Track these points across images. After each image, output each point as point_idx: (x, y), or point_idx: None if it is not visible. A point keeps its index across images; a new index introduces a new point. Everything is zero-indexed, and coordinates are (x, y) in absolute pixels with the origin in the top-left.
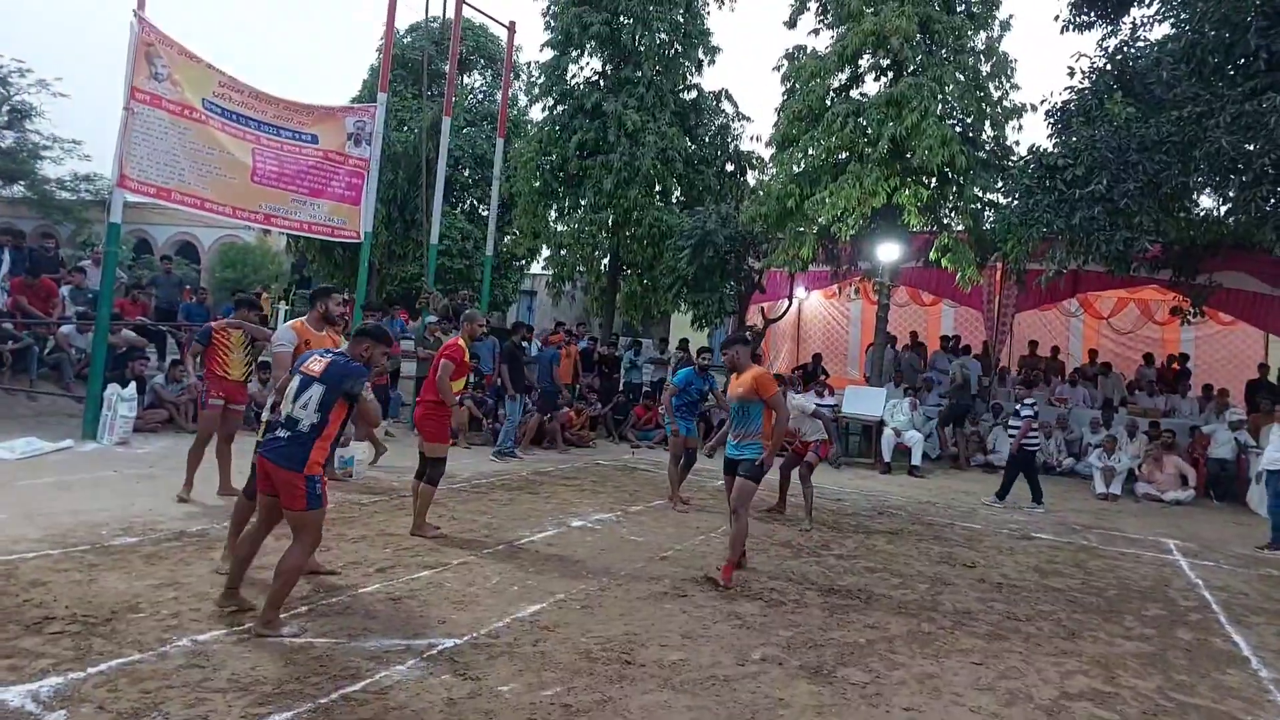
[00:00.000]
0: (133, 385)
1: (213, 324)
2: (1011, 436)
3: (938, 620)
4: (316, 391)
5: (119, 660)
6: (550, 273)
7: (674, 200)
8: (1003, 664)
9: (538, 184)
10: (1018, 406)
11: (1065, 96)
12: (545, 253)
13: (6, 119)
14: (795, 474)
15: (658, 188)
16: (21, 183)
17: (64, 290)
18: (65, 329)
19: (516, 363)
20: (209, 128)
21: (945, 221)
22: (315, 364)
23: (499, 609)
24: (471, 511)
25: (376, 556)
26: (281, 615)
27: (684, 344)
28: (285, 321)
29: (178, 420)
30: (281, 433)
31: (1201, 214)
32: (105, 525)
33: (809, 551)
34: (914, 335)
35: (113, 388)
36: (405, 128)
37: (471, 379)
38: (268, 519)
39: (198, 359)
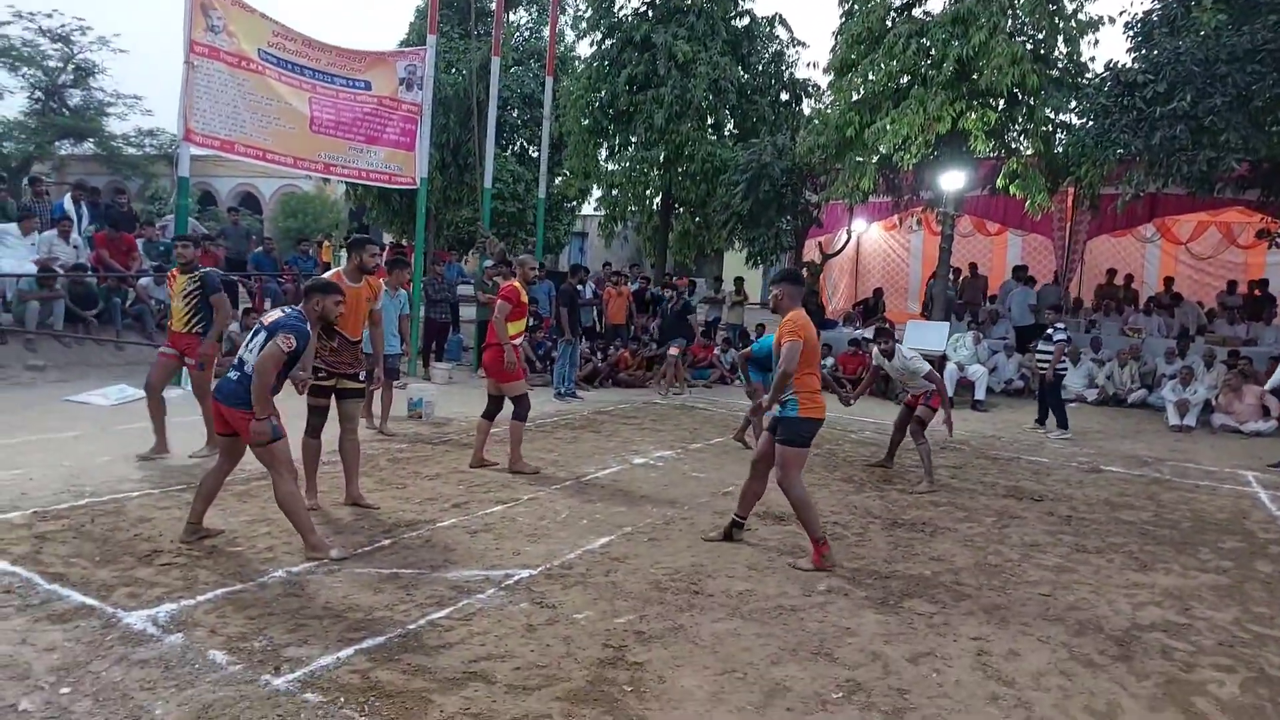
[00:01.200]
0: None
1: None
2: (1043, 364)
3: (1004, 553)
4: (260, 338)
5: (223, 589)
6: (602, 213)
7: (727, 133)
8: (1072, 595)
9: (587, 122)
10: (1050, 331)
11: (1147, 6)
12: (596, 193)
13: (72, 77)
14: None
15: (710, 120)
16: (91, 140)
17: (138, 244)
18: (144, 281)
19: (573, 305)
20: (266, 78)
21: (1014, 146)
22: (270, 314)
23: (570, 541)
24: (538, 449)
25: (451, 493)
26: (330, 538)
27: (739, 282)
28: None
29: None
30: (232, 374)
31: None
32: (198, 466)
33: (871, 486)
34: (973, 266)
35: None
36: (453, 69)
37: (530, 322)
38: (228, 458)
39: None
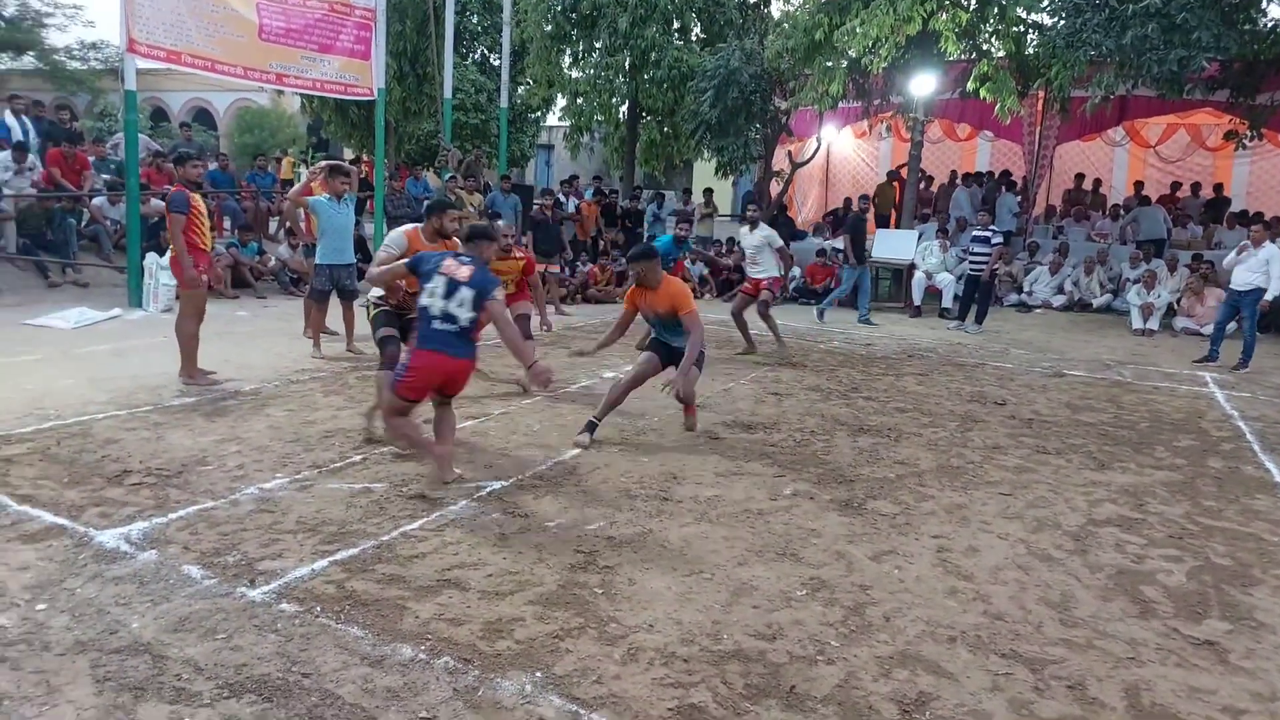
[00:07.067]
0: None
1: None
2: (975, 263)
3: (967, 455)
4: (469, 294)
5: (195, 507)
6: (567, 124)
7: (694, 38)
8: (1031, 494)
9: (549, 28)
10: (986, 234)
11: None
12: (561, 102)
13: None
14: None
15: (676, 24)
16: (31, 54)
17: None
18: (97, 201)
19: (859, 233)
20: None
21: (985, 48)
22: (457, 267)
23: (541, 454)
24: (509, 367)
25: (422, 409)
26: (336, 465)
27: (708, 193)
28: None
29: (216, 286)
30: (440, 325)
31: (1270, 24)
32: (164, 387)
33: (838, 395)
34: (953, 174)
35: (151, 257)
36: None
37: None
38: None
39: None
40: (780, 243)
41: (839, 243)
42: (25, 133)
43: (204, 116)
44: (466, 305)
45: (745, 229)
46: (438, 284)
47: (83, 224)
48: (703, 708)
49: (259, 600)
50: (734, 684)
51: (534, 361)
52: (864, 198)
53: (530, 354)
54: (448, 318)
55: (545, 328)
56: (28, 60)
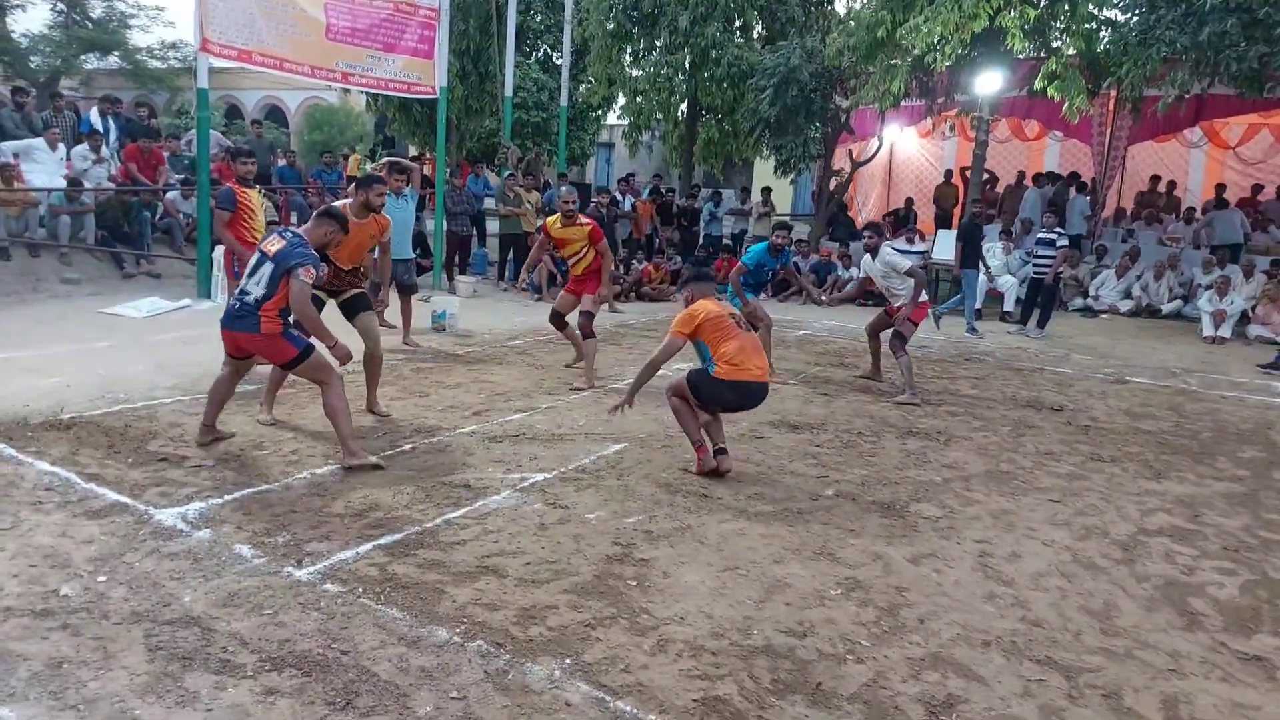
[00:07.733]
0: None
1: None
2: (1039, 266)
3: (1018, 461)
4: (268, 269)
5: (250, 489)
6: (626, 122)
7: (755, 36)
8: (1081, 502)
9: (611, 26)
10: (1051, 236)
11: None
12: (621, 100)
13: None
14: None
15: (737, 22)
16: (116, 53)
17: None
18: (171, 195)
19: (970, 239)
20: None
21: (1054, 45)
22: (270, 242)
23: (585, 447)
24: (559, 360)
25: (472, 401)
26: (387, 453)
27: (766, 192)
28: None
29: None
30: (234, 303)
31: None
32: None
33: (887, 397)
34: (1020, 174)
35: (220, 250)
36: None
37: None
38: (237, 371)
39: None
40: (906, 264)
41: (900, 242)
42: (107, 130)
43: (276, 114)
44: (263, 282)
45: (867, 258)
46: (253, 261)
47: (157, 217)
48: (727, 700)
49: (305, 580)
50: (760, 678)
51: (335, 342)
52: (975, 201)
53: (329, 335)
54: (241, 293)
55: (607, 304)
56: (112, 60)
